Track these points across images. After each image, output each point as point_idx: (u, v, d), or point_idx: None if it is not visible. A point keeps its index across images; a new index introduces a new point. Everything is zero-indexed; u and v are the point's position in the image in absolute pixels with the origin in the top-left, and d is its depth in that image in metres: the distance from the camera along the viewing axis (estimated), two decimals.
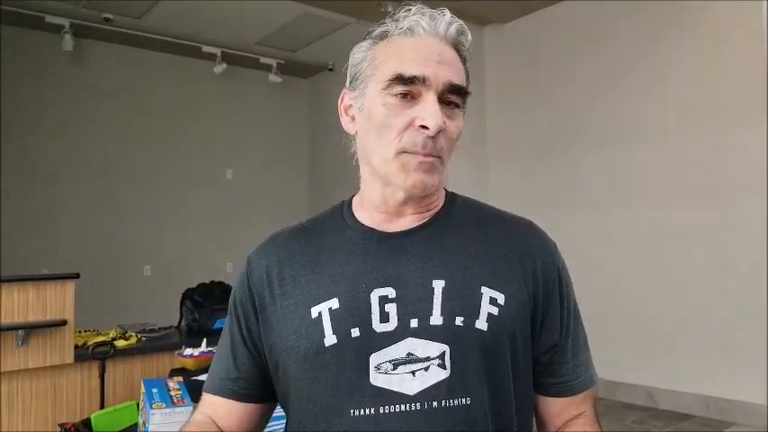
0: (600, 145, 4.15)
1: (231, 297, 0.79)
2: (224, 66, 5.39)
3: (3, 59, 4.63)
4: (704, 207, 3.57)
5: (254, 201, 5.94)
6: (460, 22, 0.73)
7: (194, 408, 1.66)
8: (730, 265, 3.44)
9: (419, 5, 0.73)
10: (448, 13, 0.72)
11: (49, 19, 4.53)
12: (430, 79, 0.68)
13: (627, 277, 3.95)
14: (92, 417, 1.72)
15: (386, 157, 0.70)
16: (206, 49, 5.29)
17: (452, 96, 0.70)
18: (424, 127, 0.67)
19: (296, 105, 6.28)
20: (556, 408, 0.77)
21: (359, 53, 0.75)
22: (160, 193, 5.43)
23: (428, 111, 0.67)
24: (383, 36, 0.73)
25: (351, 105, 0.76)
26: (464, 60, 0.75)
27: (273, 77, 5.67)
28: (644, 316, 3.85)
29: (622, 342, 3.96)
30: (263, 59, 5.60)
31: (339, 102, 0.78)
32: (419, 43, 0.70)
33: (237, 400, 0.77)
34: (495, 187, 4.87)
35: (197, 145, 5.67)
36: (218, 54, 5.33)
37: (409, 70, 0.68)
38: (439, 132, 0.68)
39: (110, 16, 4.66)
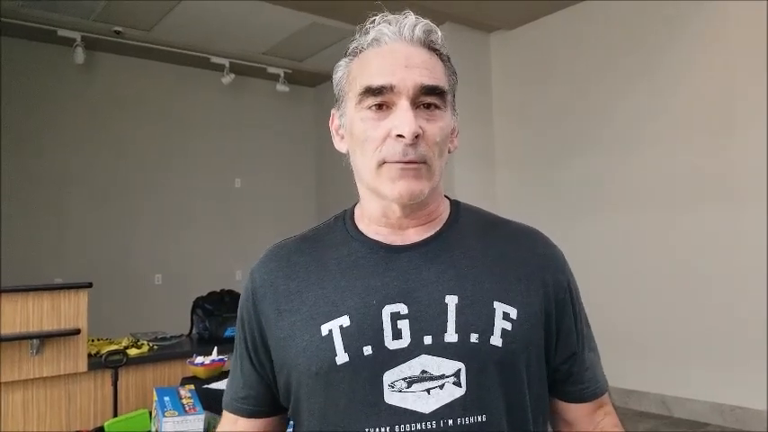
0: (607, 151, 4.14)
1: (239, 313, 0.79)
2: (232, 76, 5.45)
3: (14, 72, 4.71)
4: (718, 212, 3.54)
5: (262, 209, 5.97)
6: (426, 21, 0.71)
7: (206, 416, 1.68)
8: (747, 271, 3.40)
9: (384, 13, 0.72)
10: (411, 16, 0.71)
11: (61, 33, 4.61)
12: (398, 86, 0.67)
13: (638, 284, 3.92)
14: (105, 425, 1.73)
15: (371, 170, 0.69)
16: (214, 59, 5.35)
17: (428, 98, 0.68)
18: (400, 136, 0.66)
19: (303, 114, 6.33)
20: (582, 411, 0.78)
21: (338, 72, 0.75)
22: (170, 203, 5.47)
23: (401, 119, 0.66)
24: (356, 51, 0.73)
25: (339, 125, 0.76)
26: (443, 58, 0.72)
27: (281, 87, 5.72)
28: (657, 322, 3.81)
29: (635, 349, 3.92)
30: (271, 69, 5.65)
31: (330, 122, 0.78)
32: (385, 52, 0.69)
33: (252, 417, 0.78)
34: (501, 194, 4.87)
35: (206, 154, 5.72)
36: (227, 65, 5.39)
37: (376, 81, 0.67)
38: (417, 138, 0.66)
39: (120, 29, 4.73)
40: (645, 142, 3.92)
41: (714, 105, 3.58)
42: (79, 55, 4.71)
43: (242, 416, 0.78)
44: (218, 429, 0.81)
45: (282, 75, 5.70)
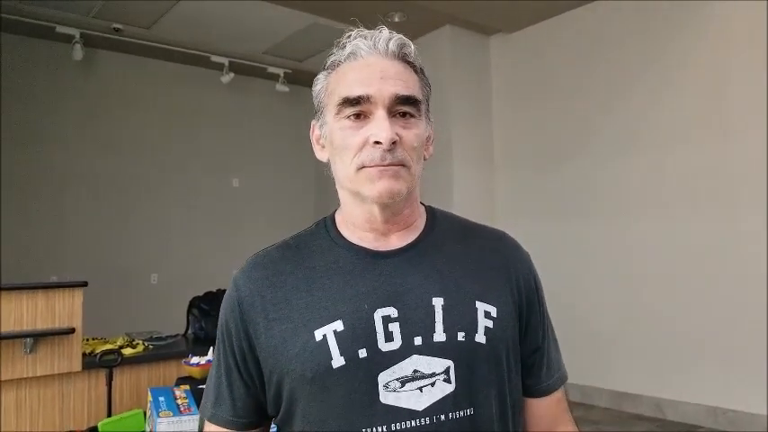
0: (605, 153, 4.15)
1: (222, 323, 0.78)
2: (231, 75, 5.44)
3: (13, 68, 4.69)
4: (715, 215, 3.55)
5: (260, 209, 5.96)
6: (399, 35, 0.76)
7: (200, 416, 1.67)
8: (737, 275, 3.42)
9: (359, 29, 0.77)
10: (386, 30, 0.75)
11: (60, 29, 4.59)
12: (374, 96, 0.71)
13: (634, 287, 3.93)
14: (99, 425, 1.73)
15: (350, 175, 0.73)
16: (214, 58, 5.34)
17: (403, 107, 0.72)
18: (377, 143, 0.70)
19: (302, 114, 6.31)
20: (537, 410, 0.82)
21: (317, 85, 0.79)
22: (167, 202, 5.46)
23: (378, 126, 0.70)
24: (334, 65, 0.77)
25: (320, 135, 0.80)
26: (416, 70, 0.77)
27: (280, 87, 5.71)
28: (651, 326, 3.82)
29: (630, 352, 3.93)
30: (271, 69, 5.65)
31: (311, 133, 0.82)
32: (362, 64, 0.73)
33: (237, 429, 0.78)
34: (500, 195, 4.87)
35: (204, 154, 5.71)
36: (226, 64, 5.38)
37: (353, 92, 0.71)
38: (394, 144, 0.70)
39: (119, 26, 4.72)
40: (644, 145, 3.93)
41: (713, 108, 3.59)
42: (78, 52, 4.69)
43: (233, 429, 0.78)
44: None
45: (282, 75, 5.69)
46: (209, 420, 0.80)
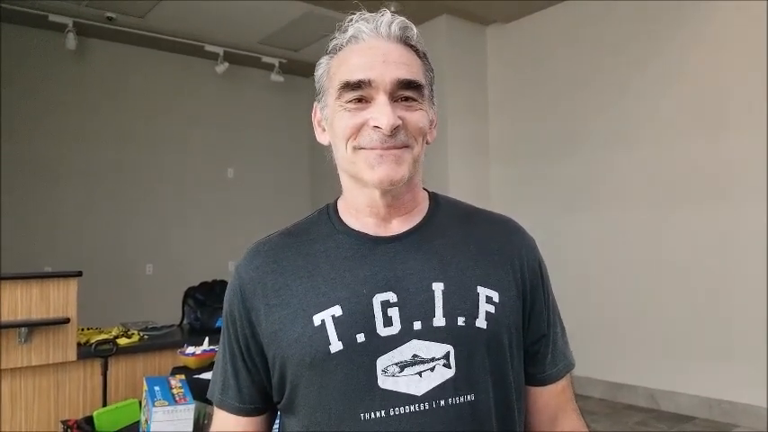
0: (601, 146, 4.15)
1: (226, 310, 0.79)
2: (226, 65, 5.40)
3: (6, 58, 4.64)
4: (707, 209, 3.57)
5: (255, 200, 5.95)
6: (402, 18, 0.74)
7: (196, 406, 1.67)
8: (733, 267, 3.44)
9: (360, 12, 0.75)
10: (388, 13, 0.74)
11: (53, 18, 4.54)
12: (376, 81, 0.70)
13: (629, 279, 3.94)
14: (94, 414, 1.73)
15: (348, 156, 0.72)
16: (208, 48, 5.30)
17: (406, 92, 0.71)
18: (377, 127, 0.69)
19: (297, 104, 6.29)
20: (541, 399, 0.80)
21: (319, 68, 0.78)
22: (162, 192, 5.43)
23: (380, 111, 0.69)
24: (336, 49, 0.76)
25: (321, 118, 0.79)
26: (419, 54, 0.76)
27: (275, 77, 5.68)
28: (646, 317, 3.84)
29: (624, 343, 3.95)
30: (266, 59, 5.61)
31: (312, 115, 0.81)
32: (363, 48, 0.72)
33: (244, 415, 0.79)
34: (495, 188, 4.87)
35: (199, 144, 5.68)
36: (221, 53, 5.34)
37: (354, 76, 0.70)
38: (396, 129, 0.69)
39: (113, 15, 4.67)
40: (639, 138, 3.93)
41: (708, 103, 3.59)
42: (71, 41, 4.64)
43: (237, 414, 0.79)
44: (213, 429, 0.81)
45: (277, 64, 5.65)
46: (218, 406, 0.80)
